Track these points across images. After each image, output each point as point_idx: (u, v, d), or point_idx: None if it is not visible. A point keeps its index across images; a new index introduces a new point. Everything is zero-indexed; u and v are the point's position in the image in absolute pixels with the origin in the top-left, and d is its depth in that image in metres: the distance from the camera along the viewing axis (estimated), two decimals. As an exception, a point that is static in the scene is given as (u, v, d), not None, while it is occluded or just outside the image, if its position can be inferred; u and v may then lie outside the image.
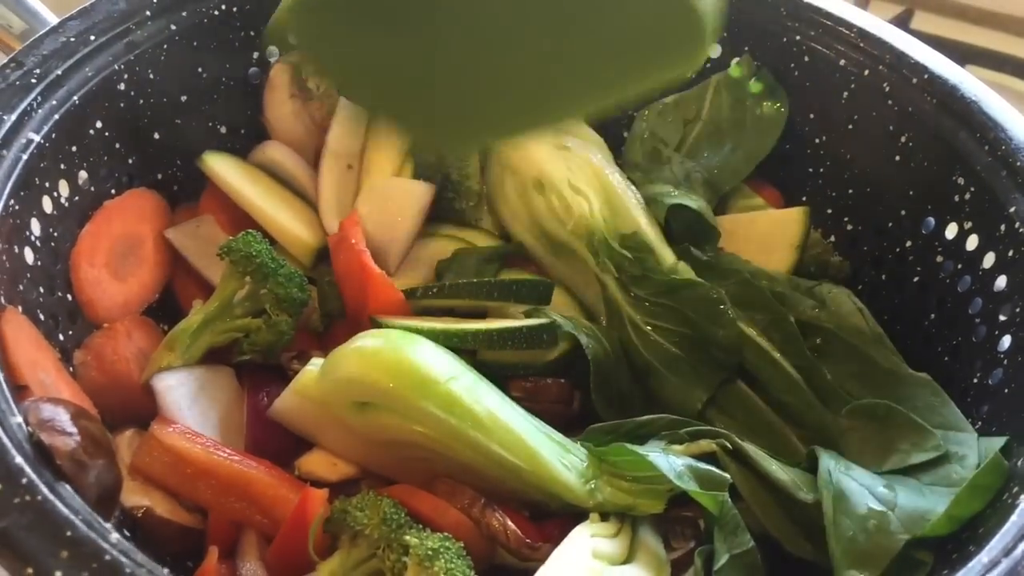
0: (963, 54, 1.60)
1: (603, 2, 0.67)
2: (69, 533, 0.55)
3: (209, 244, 0.94)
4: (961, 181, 0.92)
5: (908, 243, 0.98)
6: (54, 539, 0.55)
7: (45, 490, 0.58)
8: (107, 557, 0.55)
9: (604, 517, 0.77)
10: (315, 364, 0.81)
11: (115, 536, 0.57)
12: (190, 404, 0.83)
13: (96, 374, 0.83)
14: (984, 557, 0.62)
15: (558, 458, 0.78)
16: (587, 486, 0.77)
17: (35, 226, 0.82)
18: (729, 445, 0.79)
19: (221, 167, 0.98)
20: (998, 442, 0.77)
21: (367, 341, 0.77)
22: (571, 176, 0.96)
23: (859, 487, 0.76)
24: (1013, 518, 0.65)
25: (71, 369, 0.82)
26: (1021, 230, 0.85)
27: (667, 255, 0.95)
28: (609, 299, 0.94)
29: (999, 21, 1.73)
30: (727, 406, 0.89)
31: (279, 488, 0.79)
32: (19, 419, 0.63)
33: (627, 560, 0.73)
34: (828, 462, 0.78)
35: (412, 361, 0.76)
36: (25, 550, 0.54)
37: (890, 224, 1.00)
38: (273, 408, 0.83)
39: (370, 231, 0.96)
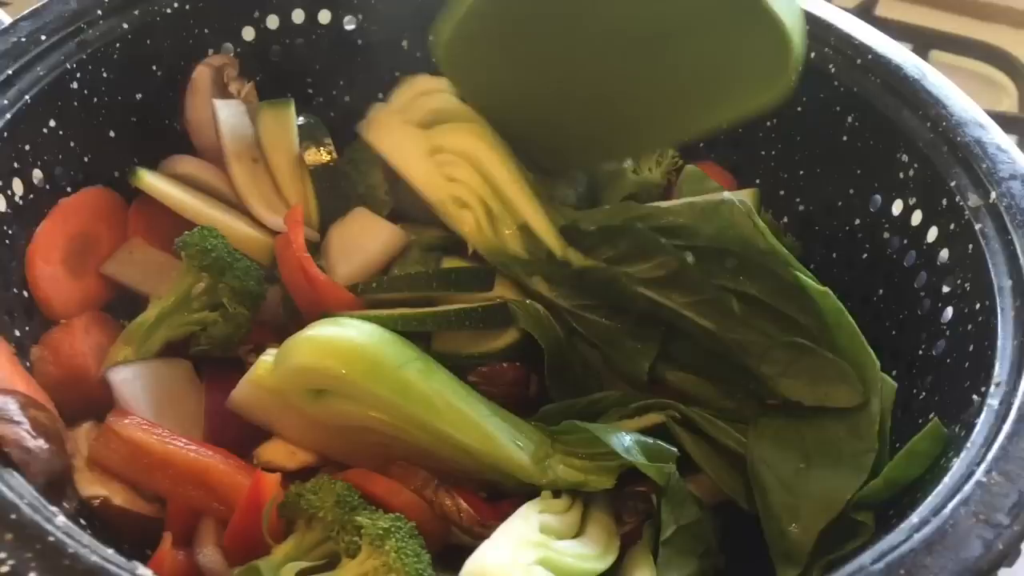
0: (928, 39, 1.62)
1: (702, 32, 0.78)
2: (13, 516, 0.57)
3: (147, 266, 0.95)
4: (905, 158, 0.94)
5: (857, 221, 1.00)
6: (-1, 522, 0.56)
7: (-10, 476, 0.59)
8: (51, 539, 0.56)
9: (556, 495, 0.78)
10: (269, 355, 0.82)
11: (61, 519, 0.58)
12: (146, 396, 0.84)
13: (53, 368, 0.84)
14: (915, 518, 0.63)
15: (511, 439, 0.79)
16: (540, 465, 0.79)
17: (-12, 224, 0.83)
18: (677, 414, 0.81)
19: (158, 181, 0.97)
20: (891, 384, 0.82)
21: (319, 329, 0.79)
22: (452, 188, 0.94)
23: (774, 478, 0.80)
24: (945, 480, 0.66)
25: (27, 364, 0.83)
26: (961, 203, 0.87)
27: (555, 245, 0.92)
28: (534, 293, 0.93)
29: (963, 6, 1.75)
30: (680, 358, 0.89)
31: (236, 476, 0.79)
32: (-33, 409, 0.64)
33: (576, 535, 0.75)
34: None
35: (364, 347, 0.77)
36: (-31, 533, 0.55)
37: (839, 203, 1.02)
38: (230, 399, 0.84)
39: (332, 251, 0.98)
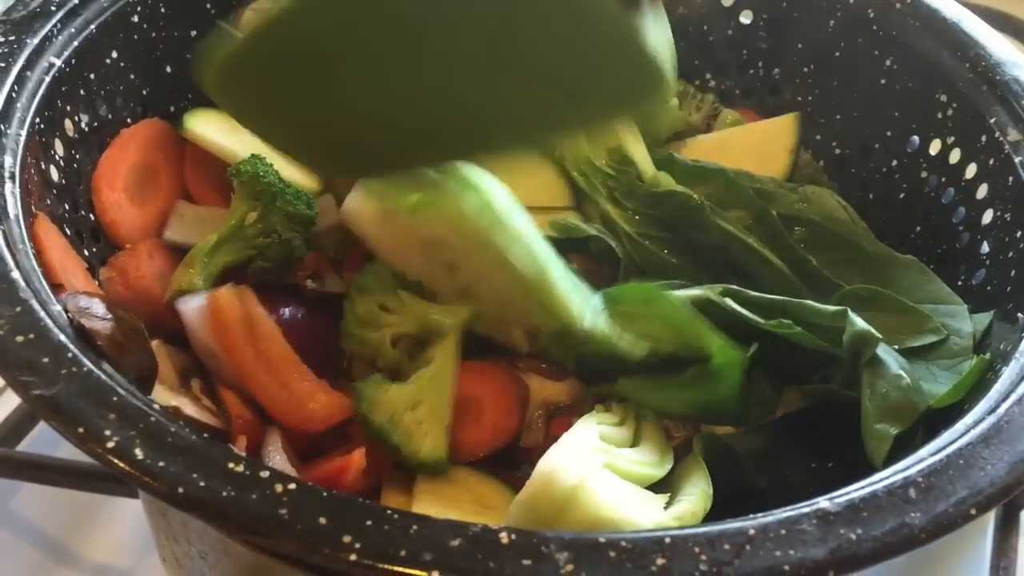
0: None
1: (551, 46, 0.68)
2: (115, 399, 0.59)
3: (201, 222, 0.96)
4: (944, 98, 0.96)
5: (894, 162, 1.02)
6: (101, 404, 0.58)
7: (89, 364, 0.61)
8: (152, 419, 0.58)
9: (608, 406, 0.81)
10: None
11: (156, 406, 0.61)
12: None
13: (121, 289, 0.86)
14: (969, 419, 0.66)
15: (565, 284, 0.84)
16: (584, 312, 0.83)
17: (58, 146, 0.85)
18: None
19: (205, 129, 0.98)
20: (986, 317, 0.82)
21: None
22: None
23: (888, 353, 0.80)
24: (996, 386, 0.69)
25: (96, 282, 0.85)
26: (1001, 139, 0.89)
27: (648, 167, 0.98)
28: (603, 214, 0.97)
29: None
30: (740, 298, 0.91)
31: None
32: (58, 308, 0.66)
33: (634, 444, 0.77)
34: (861, 321, 0.80)
35: (463, 168, 0.84)
36: (74, 414, 0.58)
37: (876, 145, 1.04)
38: (344, 206, 0.89)
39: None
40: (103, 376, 0.61)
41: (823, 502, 0.59)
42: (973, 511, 0.59)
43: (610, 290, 0.86)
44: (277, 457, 0.78)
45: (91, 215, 0.89)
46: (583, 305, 0.84)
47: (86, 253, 0.86)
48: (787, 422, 0.88)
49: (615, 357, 0.81)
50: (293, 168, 1.00)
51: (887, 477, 0.61)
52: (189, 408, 0.78)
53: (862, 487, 0.60)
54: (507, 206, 0.85)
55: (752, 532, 0.56)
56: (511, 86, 0.69)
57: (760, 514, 0.59)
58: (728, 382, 0.79)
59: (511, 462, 0.84)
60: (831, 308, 0.81)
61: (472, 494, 0.79)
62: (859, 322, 0.79)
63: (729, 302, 0.83)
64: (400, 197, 0.85)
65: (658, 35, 0.74)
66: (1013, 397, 0.66)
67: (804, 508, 0.58)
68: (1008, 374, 0.70)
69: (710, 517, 0.75)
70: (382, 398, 0.78)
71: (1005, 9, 1.58)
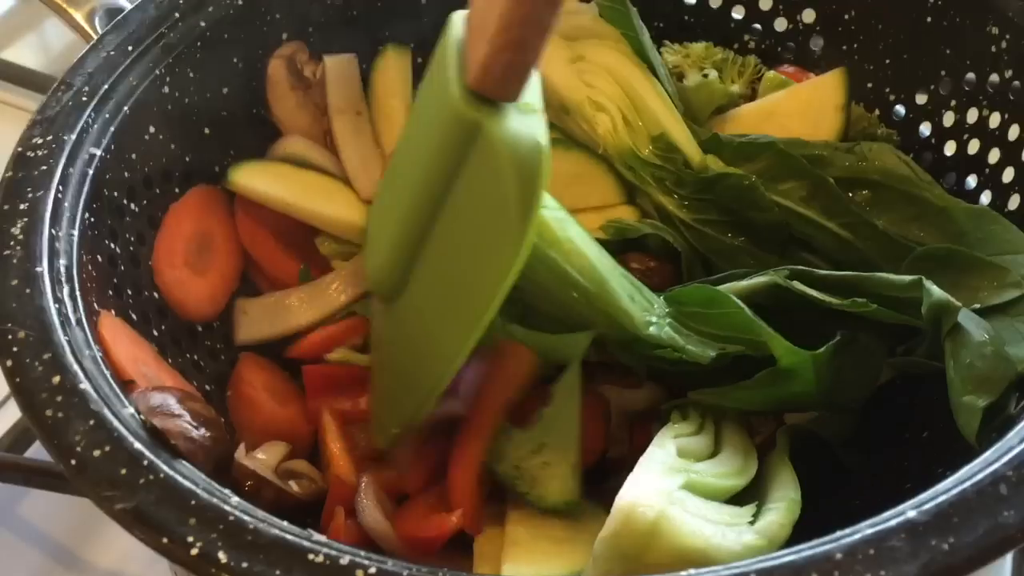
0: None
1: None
2: (193, 502, 0.60)
3: (265, 314, 0.99)
4: (995, 30, 0.91)
5: (952, 102, 0.98)
6: (181, 509, 0.60)
7: (165, 468, 0.63)
8: (231, 517, 0.59)
9: (685, 415, 0.80)
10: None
11: (235, 499, 0.62)
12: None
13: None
14: (1057, 394, 0.63)
15: (626, 292, 0.83)
16: (648, 319, 0.82)
17: (112, 234, 0.87)
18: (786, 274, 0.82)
19: (250, 180, 0.99)
20: None
21: None
22: (591, 92, 0.98)
23: (971, 319, 0.77)
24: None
25: (168, 360, 0.87)
26: (1060, 69, 0.84)
27: (694, 152, 0.96)
28: (657, 205, 0.96)
29: None
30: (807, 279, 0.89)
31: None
32: (131, 410, 0.68)
33: (714, 453, 0.76)
34: (938, 290, 0.76)
35: None
36: (157, 522, 0.59)
37: (932, 87, 1.00)
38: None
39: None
40: (179, 478, 0.62)
41: (910, 511, 0.57)
42: (1069, 501, 0.56)
43: (672, 293, 0.84)
44: (371, 511, 0.80)
45: (155, 294, 0.91)
46: (647, 310, 0.83)
47: (155, 333, 0.88)
48: (875, 396, 0.85)
49: (684, 361, 0.80)
50: (339, 207, 1.01)
51: (975, 473, 0.59)
52: (273, 477, 0.79)
53: (949, 488, 0.58)
54: (561, 219, 0.84)
55: (839, 557, 0.55)
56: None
57: (847, 532, 0.57)
58: (802, 380, 0.77)
59: (599, 474, 0.84)
60: (905, 279, 0.78)
61: (563, 517, 0.79)
62: (936, 291, 0.76)
63: (798, 285, 0.81)
64: None
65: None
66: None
67: (891, 521, 0.56)
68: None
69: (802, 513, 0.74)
70: (504, 447, 0.78)
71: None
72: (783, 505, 0.68)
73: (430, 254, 0.78)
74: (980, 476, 0.58)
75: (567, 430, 0.79)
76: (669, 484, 0.67)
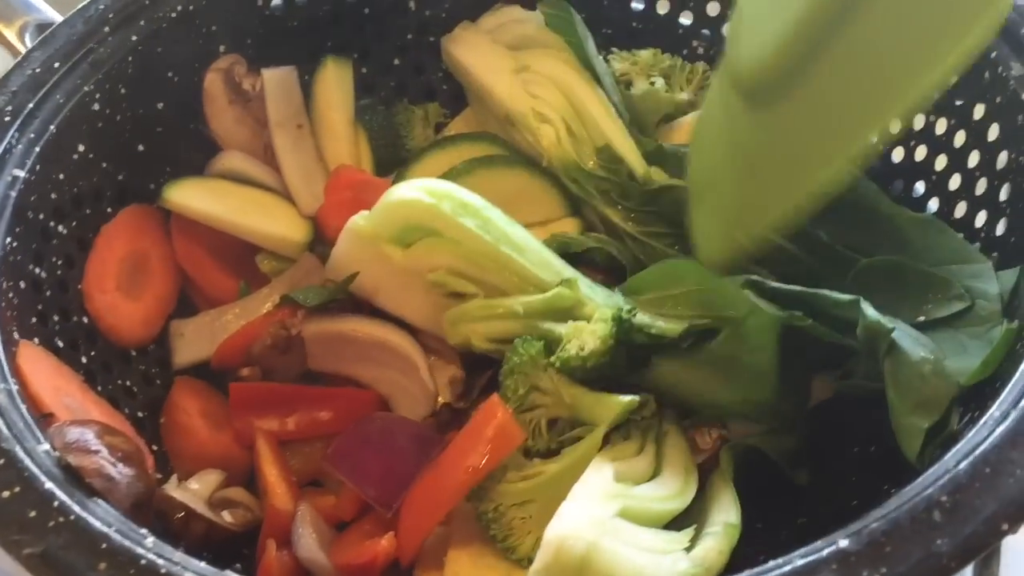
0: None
1: None
2: (104, 545, 0.58)
3: (201, 334, 0.96)
4: (941, 36, 0.90)
5: (900, 108, 0.96)
6: (91, 553, 0.58)
7: (77, 508, 0.60)
8: (143, 561, 0.57)
9: (626, 436, 0.78)
10: (362, 214, 0.87)
11: (151, 540, 0.60)
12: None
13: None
14: (996, 411, 0.62)
15: (585, 282, 0.83)
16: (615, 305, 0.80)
17: (37, 258, 0.84)
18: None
19: (185, 197, 0.97)
20: (1012, 274, 0.77)
21: (415, 180, 0.87)
22: (535, 103, 0.97)
23: (908, 337, 0.75)
24: (1022, 367, 0.64)
25: (98, 388, 0.84)
26: (1004, 75, 0.83)
27: (638, 163, 0.95)
28: (603, 217, 0.95)
29: None
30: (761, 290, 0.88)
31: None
32: (46, 446, 0.65)
33: (654, 475, 0.75)
34: (873, 311, 0.75)
35: (454, 189, 0.84)
36: (65, 568, 0.57)
37: (879, 92, 0.98)
38: (331, 260, 0.88)
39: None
40: (92, 519, 0.60)
41: (842, 540, 0.55)
42: (1005, 527, 0.55)
43: (629, 282, 0.84)
44: (307, 541, 0.77)
45: (84, 319, 0.88)
46: (608, 300, 0.82)
47: (83, 361, 0.86)
48: (820, 412, 0.84)
49: (655, 339, 0.79)
50: (280, 224, 0.99)
51: (910, 498, 0.57)
52: (204, 509, 0.77)
53: (884, 514, 0.57)
54: (506, 219, 0.84)
55: (769, 590, 0.53)
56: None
57: (779, 563, 0.55)
58: (762, 345, 0.76)
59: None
60: (844, 298, 0.77)
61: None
62: (870, 312, 0.75)
63: (749, 295, 0.80)
64: (389, 225, 0.85)
65: None
66: (1041, 382, 0.61)
67: (824, 551, 0.55)
68: (1035, 351, 0.65)
69: (748, 528, 0.73)
70: (490, 487, 0.75)
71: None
72: (721, 530, 0.67)
73: (848, 41, 0.65)
74: (914, 501, 0.57)
75: (562, 496, 0.70)
76: (602, 512, 0.65)
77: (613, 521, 0.65)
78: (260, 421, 0.86)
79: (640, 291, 0.84)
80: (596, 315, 0.77)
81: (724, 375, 0.79)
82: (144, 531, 0.61)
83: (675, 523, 0.70)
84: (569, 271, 0.84)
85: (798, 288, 0.81)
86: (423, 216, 0.83)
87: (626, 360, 0.79)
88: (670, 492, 0.72)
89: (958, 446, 0.61)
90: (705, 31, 1.11)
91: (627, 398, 0.75)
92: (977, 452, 0.59)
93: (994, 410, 0.62)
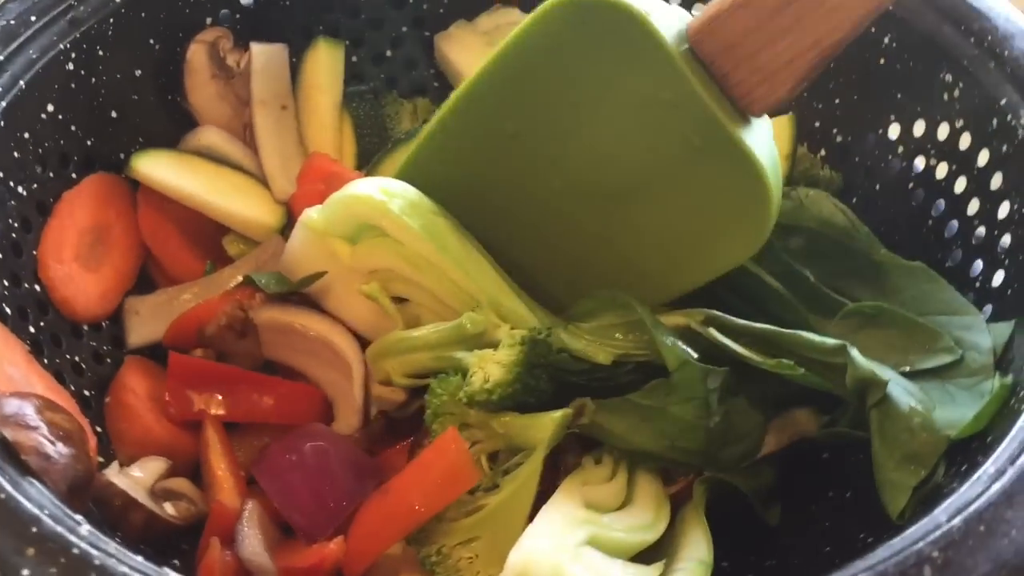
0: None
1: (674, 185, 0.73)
2: (35, 529, 0.54)
3: (158, 312, 0.91)
4: (949, 78, 0.88)
5: (900, 149, 0.94)
6: (19, 537, 0.53)
7: (9, 487, 0.56)
8: (75, 551, 0.53)
9: (598, 461, 0.74)
10: (316, 207, 0.84)
11: (86, 528, 0.55)
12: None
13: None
14: (990, 467, 0.59)
15: (524, 298, 0.80)
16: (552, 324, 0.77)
17: (-10, 220, 0.80)
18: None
19: (155, 169, 0.93)
20: (1007, 327, 0.75)
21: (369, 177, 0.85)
22: None
23: (896, 386, 0.73)
24: (1019, 423, 0.62)
25: (44, 361, 0.80)
26: (1013, 123, 0.81)
27: None
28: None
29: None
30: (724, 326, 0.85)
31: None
32: (-18, 417, 0.61)
33: (624, 503, 0.71)
34: (863, 359, 0.73)
35: (407, 189, 0.82)
36: (-11, 552, 0.52)
37: (880, 131, 0.96)
38: (284, 255, 0.86)
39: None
40: (24, 501, 0.55)
41: (825, 593, 0.52)
42: (997, 588, 0.52)
43: (574, 308, 0.79)
44: (251, 541, 0.73)
45: (36, 286, 0.83)
46: (546, 319, 0.78)
47: (31, 330, 0.81)
48: (798, 450, 0.81)
49: (585, 363, 0.75)
50: (252, 206, 0.95)
51: (899, 551, 0.54)
52: (145, 499, 0.72)
53: (870, 566, 0.54)
54: (456, 227, 0.81)
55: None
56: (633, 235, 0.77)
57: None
58: (689, 397, 0.72)
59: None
60: (829, 343, 0.74)
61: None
62: (861, 361, 0.72)
63: (712, 332, 0.76)
64: (340, 221, 0.82)
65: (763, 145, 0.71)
66: (1039, 441, 0.59)
67: (805, 601, 0.52)
68: (1033, 407, 0.63)
69: (714, 567, 0.70)
70: (433, 529, 0.70)
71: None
72: (691, 566, 0.64)
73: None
74: (904, 555, 0.54)
75: (509, 529, 0.67)
76: (570, 538, 0.62)
77: (581, 548, 0.61)
78: (198, 397, 0.82)
79: (583, 318, 0.79)
80: (505, 340, 0.73)
81: (650, 423, 0.74)
82: (79, 518, 0.56)
83: (643, 555, 0.67)
84: (505, 289, 0.80)
85: (773, 328, 0.77)
86: (371, 213, 0.80)
87: (552, 386, 0.75)
88: (641, 523, 0.69)
89: (950, 500, 0.58)
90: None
91: (558, 413, 0.71)
92: (971, 509, 0.56)
93: (988, 466, 0.60)
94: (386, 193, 0.80)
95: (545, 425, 0.70)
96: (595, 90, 0.73)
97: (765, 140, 0.72)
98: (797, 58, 0.67)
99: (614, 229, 0.78)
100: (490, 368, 0.71)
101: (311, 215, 0.84)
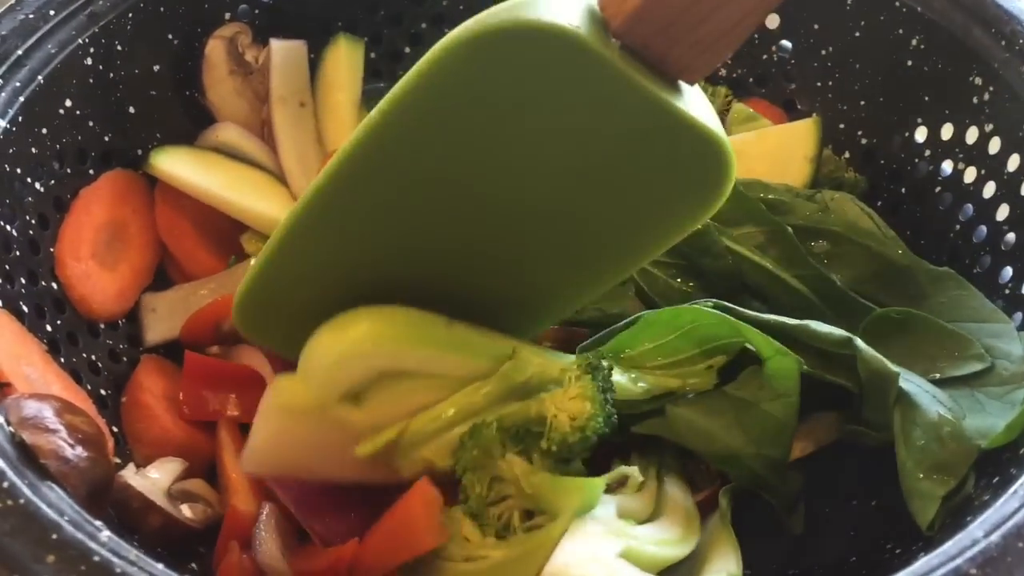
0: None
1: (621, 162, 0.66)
2: (55, 536, 0.53)
3: (174, 310, 0.90)
4: (978, 81, 0.87)
5: (927, 152, 0.93)
6: (39, 543, 0.52)
7: (28, 492, 0.55)
8: (96, 558, 0.52)
9: (627, 465, 0.73)
10: (284, 376, 0.70)
11: (105, 534, 0.54)
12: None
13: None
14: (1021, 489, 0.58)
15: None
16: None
17: (9, 214, 0.79)
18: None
19: (173, 166, 0.92)
20: None
21: (339, 321, 0.68)
22: None
23: (924, 393, 0.72)
24: (1054, 436, 0.61)
25: (61, 360, 0.79)
26: (1046, 127, 0.80)
27: None
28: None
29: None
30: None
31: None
32: (0, 419, 0.60)
33: (654, 514, 0.70)
34: (870, 350, 0.71)
35: (397, 312, 0.69)
36: (9, 556, 0.52)
37: (907, 134, 0.95)
38: (246, 455, 0.70)
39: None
40: (43, 506, 0.55)
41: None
42: (1038, 608, 0.51)
43: (611, 344, 0.75)
44: (268, 546, 0.72)
45: (53, 283, 0.83)
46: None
47: (48, 329, 0.80)
48: (821, 457, 0.80)
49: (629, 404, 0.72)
50: (271, 204, 0.95)
51: (935, 567, 0.53)
52: (162, 501, 0.71)
53: (907, 582, 0.52)
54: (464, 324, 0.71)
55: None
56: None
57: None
58: (781, 393, 0.70)
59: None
60: (837, 333, 0.72)
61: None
62: (869, 353, 0.71)
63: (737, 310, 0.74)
64: (334, 383, 0.69)
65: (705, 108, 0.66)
66: (1077, 455, 0.58)
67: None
68: (1069, 419, 0.61)
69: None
70: (430, 562, 0.65)
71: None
72: (721, 579, 0.62)
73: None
74: (942, 571, 0.52)
75: None
76: (607, 551, 0.60)
77: (616, 562, 0.60)
78: (212, 397, 0.81)
79: (623, 348, 0.75)
80: (570, 372, 0.66)
81: (741, 425, 0.72)
82: (99, 524, 0.55)
83: (671, 569, 0.66)
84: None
85: (780, 319, 0.75)
86: (375, 355, 0.67)
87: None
88: (672, 537, 0.67)
89: (985, 515, 0.57)
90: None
91: (595, 482, 0.64)
92: (1009, 524, 0.55)
93: (1020, 485, 0.58)
94: (385, 326, 0.68)
95: (573, 493, 0.63)
96: (528, 110, 0.64)
97: (700, 98, 0.65)
98: (741, 21, 0.62)
99: (565, 227, 0.70)
100: (570, 406, 0.64)
101: (287, 387, 0.69)
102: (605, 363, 0.67)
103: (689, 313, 0.73)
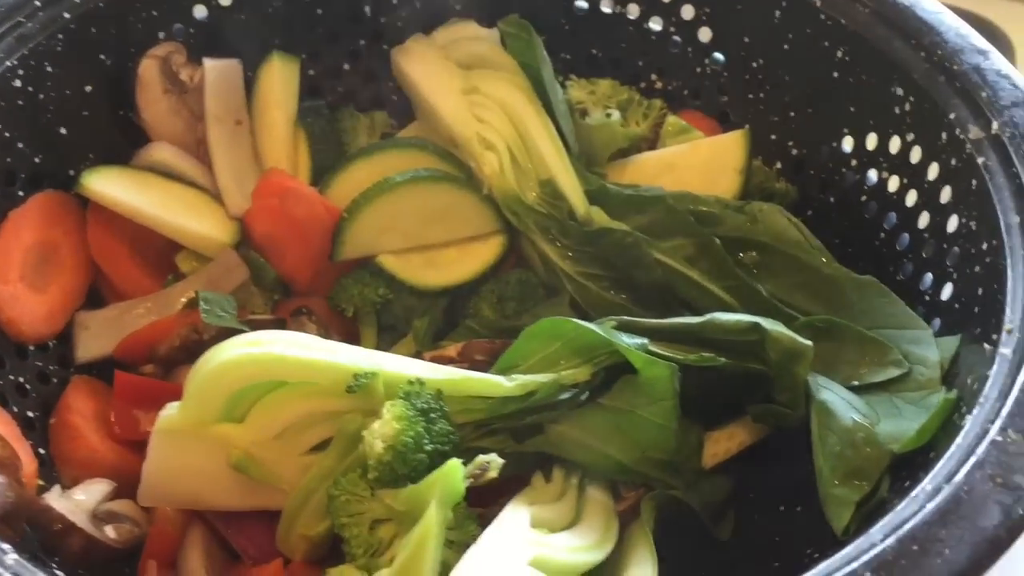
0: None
1: None
2: (-43, 560, 0.53)
3: (109, 328, 0.90)
4: (900, 91, 0.88)
5: (854, 162, 0.95)
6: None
7: (-68, 517, 0.55)
8: (1, 580, 0.52)
9: (548, 478, 0.74)
10: (170, 407, 0.73)
11: (11, 557, 0.55)
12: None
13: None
14: (927, 484, 0.59)
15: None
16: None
17: (-68, 240, 0.79)
18: None
19: (106, 186, 0.92)
20: (954, 341, 0.75)
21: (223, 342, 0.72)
22: (481, 128, 0.94)
23: (840, 400, 0.73)
24: (957, 440, 0.62)
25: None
26: (962, 136, 0.81)
27: (579, 202, 0.92)
28: (540, 252, 0.91)
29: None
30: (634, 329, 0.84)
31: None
32: (-91, 444, 0.60)
33: (573, 521, 0.71)
34: (775, 327, 0.73)
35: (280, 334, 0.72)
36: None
37: (834, 144, 0.96)
38: (141, 488, 0.72)
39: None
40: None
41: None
42: (929, 609, 0.52)
43: (500, 361, 0.76)
44: (194, 566, 0.72)
45: (-19, 308, 0.83)
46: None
47: (-25, 353, 0.80)
48: (747, 461, 0.81)
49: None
50: (205, 222, 0.95)
51: (832, 572, 0.54)
52: (85, 523, 0.71)
53: (802, 590, 0.53)
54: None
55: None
56: None
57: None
58: (658, 398, 0.71)
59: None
60: (744, 319, 0.74)
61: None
62: (778, 332, 0.73)
63: (621, 336, 0.74)
64: (217, 400, 0.71)
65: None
66: (973, 460, 0.59)
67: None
68: (971, 424, 0.62)
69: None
70: None
71: (975, 10, 1.47)
72: (636, 588, 0.63)
73: None
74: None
75: None
76: (515, 560, 0.61)
77: (525, 570, 0.61)
78: (144, 416, 0.81)
79: (516, 363, 0.76)
80: (385, 407, 0.67)
81: (621, 432, 0.73)
82: (6, 546, 0.55)
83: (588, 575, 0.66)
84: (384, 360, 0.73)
85: (684, 321, 0.77)
86: (261, 371, 0.70)
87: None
88: (588, 543, 0.68)
89: (886, 519, 0.58)
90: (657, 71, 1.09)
91: (452, 465, 0.63)
92: (905, 528, 0.56)
93: (926, 483, 0.59)
94: (260, 343, 0.70)
95: (439, 479, 0.63)
96: None
97: None
98: None
99: None
100: (383, 430, 0.66)
101: (169, 416, 0.72)
102: (426, 387, 0.69)
103: (564, 324, 0.74)
